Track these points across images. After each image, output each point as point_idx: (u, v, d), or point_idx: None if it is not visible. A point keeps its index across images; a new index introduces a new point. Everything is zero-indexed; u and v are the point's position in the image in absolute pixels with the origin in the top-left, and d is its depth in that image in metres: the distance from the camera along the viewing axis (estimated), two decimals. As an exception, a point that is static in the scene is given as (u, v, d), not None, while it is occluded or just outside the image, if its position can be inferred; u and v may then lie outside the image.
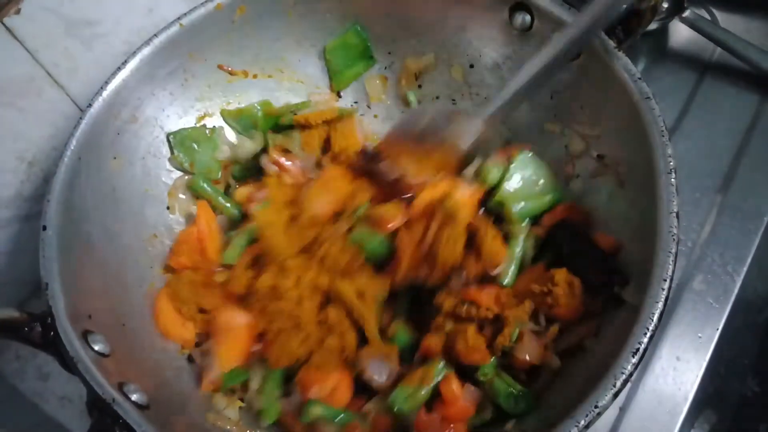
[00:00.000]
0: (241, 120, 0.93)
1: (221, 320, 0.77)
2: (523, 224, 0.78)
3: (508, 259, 0.76)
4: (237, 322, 0.77)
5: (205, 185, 0.87)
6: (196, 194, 0.88)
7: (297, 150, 0.91)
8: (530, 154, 0.80)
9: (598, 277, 0.70)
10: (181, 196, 0.88)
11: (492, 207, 0.78)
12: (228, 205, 0.87)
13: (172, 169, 0.88)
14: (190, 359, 0.79)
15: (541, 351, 0.70)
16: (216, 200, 0.87)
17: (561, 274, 0.70)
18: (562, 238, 0.75)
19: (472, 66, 0.91)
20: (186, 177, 0.89)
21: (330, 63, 0.95)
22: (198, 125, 0.90)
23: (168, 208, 0.87)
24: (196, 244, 0.83)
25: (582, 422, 0.57)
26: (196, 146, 0.89)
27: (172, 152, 0.88)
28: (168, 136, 0.88)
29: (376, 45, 0.94)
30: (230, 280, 0.79)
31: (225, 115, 0.92)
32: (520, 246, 0.77)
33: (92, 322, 0.69)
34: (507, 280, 0.75)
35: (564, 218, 0.77)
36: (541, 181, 0.79)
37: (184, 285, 0.80)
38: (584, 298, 0.70)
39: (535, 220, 0.79)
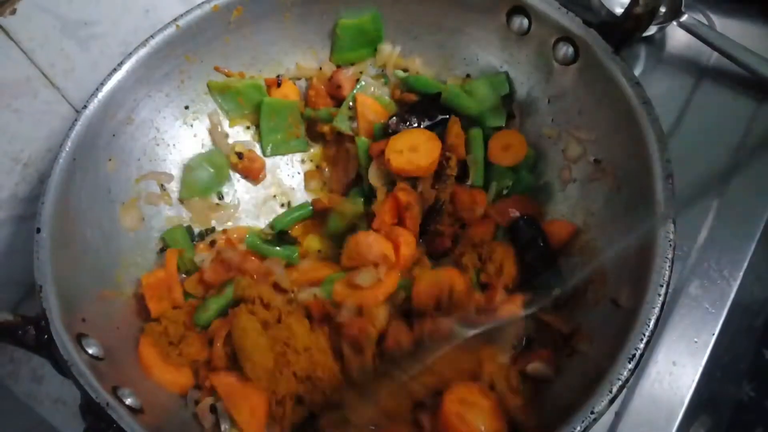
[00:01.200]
0: (227, 96, 0.92)
1: (228, 384, 0.73)
2: (479, 132, 0.86)
3: (471, 164, 0.85)
4: (251, 392, 0.72)
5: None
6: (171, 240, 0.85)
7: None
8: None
9: (538, 271, 0.77)
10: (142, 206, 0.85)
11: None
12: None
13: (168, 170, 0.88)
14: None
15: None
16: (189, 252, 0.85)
17: (500, 253, 0.78)
18: (518, 232, 0.80)
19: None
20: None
21: (338, 38, 0.93)
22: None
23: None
24: (165, 288, 0.80)
25: (578, 428, 0.57)
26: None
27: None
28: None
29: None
30: (212, 358, 0.75)
31: (212, 87, 0.91)
32: (479, 150, 0.86)
33: (86, 326, 0.68)
34: (477, 180, 0.85)
35: (524, 213, 0.82)
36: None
37: (161, 336, 0.76)
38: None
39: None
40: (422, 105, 0.89)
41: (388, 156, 0.83)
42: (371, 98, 0.92)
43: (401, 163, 0.83)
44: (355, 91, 0.92)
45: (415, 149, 0.84)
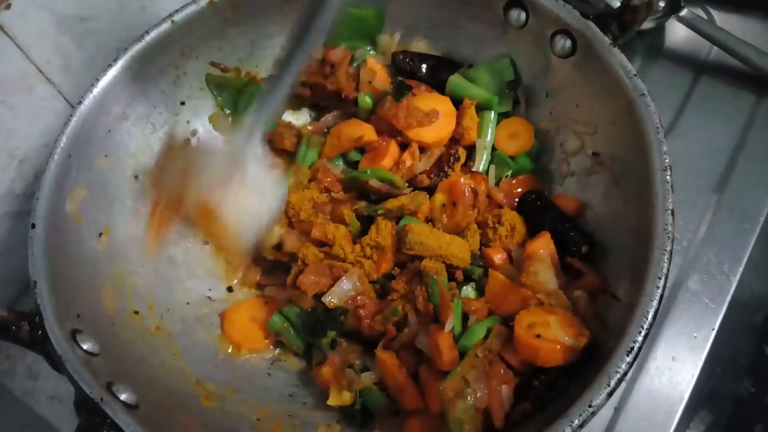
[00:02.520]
0: (224, 91, 0.91)
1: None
2: (492, 115, 0.86)
3: (479, 149, 0.86)
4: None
5: None
6: None
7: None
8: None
9: (566, 236, 0.75)
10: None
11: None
12: None
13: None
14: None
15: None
16: None
17: (508, 215, 0.79)
18: (529, 206, 0.80)
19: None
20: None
21: (337, 25, 0.91)
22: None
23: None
24: None
25: (576, 421, 0.56)
26: None
27: None
28: None
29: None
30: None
31: (210, 81, 0.90)
32: (489, 136, 0.86)
33: (81, 321, 0.68)
34: (481, 167, 0.85)
35: (528, 190, 0.83)
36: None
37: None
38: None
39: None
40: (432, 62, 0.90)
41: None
42: (380, 65, 0.91)
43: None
44: (366, 56, 0.92)
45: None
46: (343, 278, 0.77)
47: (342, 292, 0.77)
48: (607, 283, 0.70)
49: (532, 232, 0.78)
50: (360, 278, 0.78)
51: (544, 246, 0.75)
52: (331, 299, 0.76)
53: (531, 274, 0.73)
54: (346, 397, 0.74)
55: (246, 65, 0.92)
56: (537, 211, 0.79)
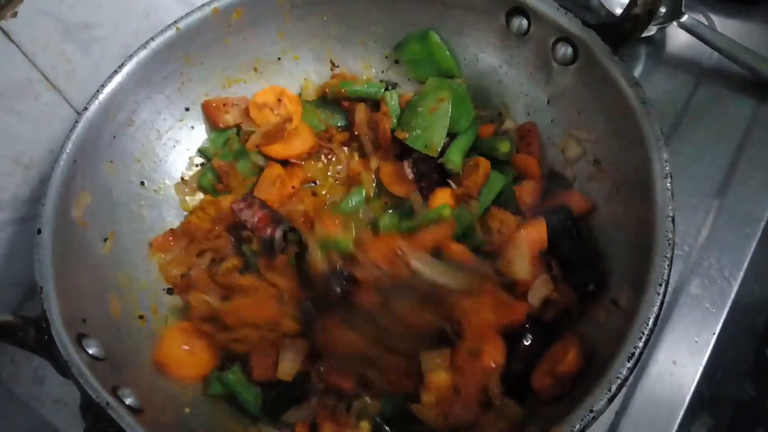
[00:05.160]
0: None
1: None
2: None
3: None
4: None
5: None
6: None
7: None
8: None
9: (580, 273, 0.73)
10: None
11: None
12: None
13: (169, 171, 0.89)
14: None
15: None
16: None
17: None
18: (556, 224, 0.77)
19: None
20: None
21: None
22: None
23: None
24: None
25: (577, 426, 0.57)
26: None
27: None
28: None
29: (374, 48, 0.95)
30: None
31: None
32: None
33: (87, 326, 0.68)
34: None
35: (564, 204, 0.78)
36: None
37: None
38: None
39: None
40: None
41: None
42: None
43: None
44: None
45: None
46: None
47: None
48: (611, 292, 0.70)
49: (551, 248, 0.76)
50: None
51: (532, 234, 0.74)
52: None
53: (506, 262, 0.73)
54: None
55: (249, 71, 0.93)
56: (562, 230, 0.76)
